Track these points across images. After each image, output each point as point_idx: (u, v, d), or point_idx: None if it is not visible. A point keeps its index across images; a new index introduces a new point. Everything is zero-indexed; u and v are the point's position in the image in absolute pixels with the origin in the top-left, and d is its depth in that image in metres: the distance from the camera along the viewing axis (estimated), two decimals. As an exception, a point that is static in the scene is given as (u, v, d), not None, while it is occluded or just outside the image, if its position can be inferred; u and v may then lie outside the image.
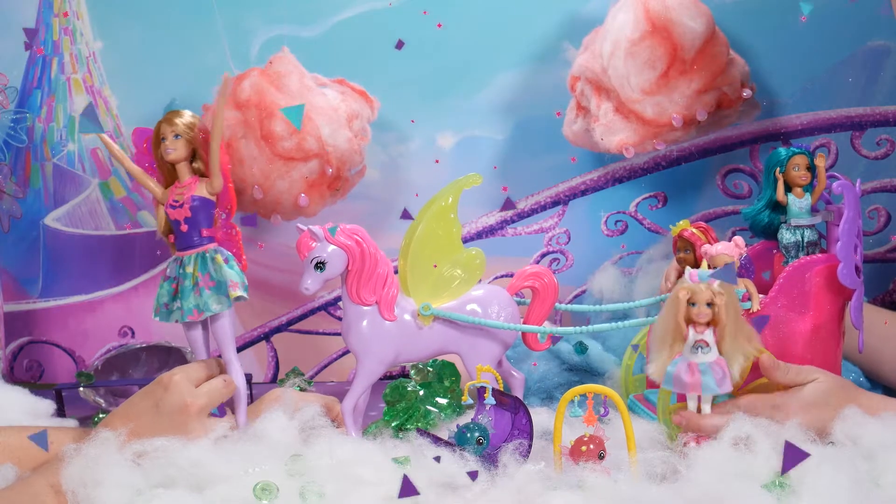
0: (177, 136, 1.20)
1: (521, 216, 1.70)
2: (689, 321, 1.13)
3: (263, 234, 1.69)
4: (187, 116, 1.22)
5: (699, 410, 1.15)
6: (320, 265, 1.21)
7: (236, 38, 1.66)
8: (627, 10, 1.52)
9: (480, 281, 1.28)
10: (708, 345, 1.13)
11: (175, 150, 1.20)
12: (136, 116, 1.67)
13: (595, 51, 1.56)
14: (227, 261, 1.21)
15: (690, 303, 1.13)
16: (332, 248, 1.21)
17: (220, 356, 1.24)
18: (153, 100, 1.65)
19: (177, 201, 1.20)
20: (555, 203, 1.70)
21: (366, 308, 1.23)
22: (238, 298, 1.20)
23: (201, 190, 1.21)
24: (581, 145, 1.63)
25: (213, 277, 1.20)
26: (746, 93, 1.56)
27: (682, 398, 1.18)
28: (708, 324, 1.13)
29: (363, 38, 1.66)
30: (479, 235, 1.70)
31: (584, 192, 1.70)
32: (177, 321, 1.20)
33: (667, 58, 1.51)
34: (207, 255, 1.20)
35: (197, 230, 1.21)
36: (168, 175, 1.23)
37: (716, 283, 1.13)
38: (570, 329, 1.29)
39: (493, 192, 1.69)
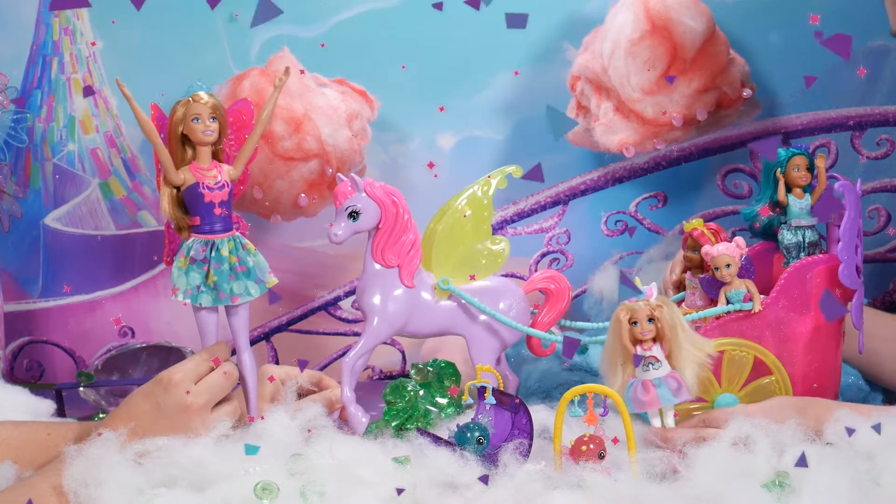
0: (213, 118, 1.19)
1: (521, 216, 1.70)
2: (635, 341, 1.14)
3: (263, 234, 1.69)
4: (213, 97, 1.20)
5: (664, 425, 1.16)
6: (354, 214, 1.22)
7: (236, 38, 1.66)
8: (627, 9, 1.53)
9: (524, 279, 1.29)
10: (658, 360, 1.14)
11: (213, 131, 1.19)
12: (135, 116, 1.67)
13: (595, 50, 1.56)
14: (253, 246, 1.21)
15: (632, 322, 1.13)
16: (368, 200, 1.22)
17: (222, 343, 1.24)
18: (152, 100, 1.65)
19: (213, 184, 1.19)
20: (555, 203, 1.70)
21: (387, 269, 1.24)
22: (273, 285, 1.21)
23: (226, 175, 1.20)
24: (581, 145, 1.63)
25: (244, 262, 1.19)
26: (746, 92, 1.56)
27: None
28: (654, 339, 1.14)
29: (363, 38, 1.66)
30: (479, 236, 1.70)
31: (584, 192, 1.70)
32: (200, 304, 1.19)
33: (667, 57, 1.51)
34: (238, 239, 1.20)
35: (229, 215, 1.20)
36: (179, 157, 1.21)
37: (653, 298, 1.14)
38: (576, 335, 1.30)
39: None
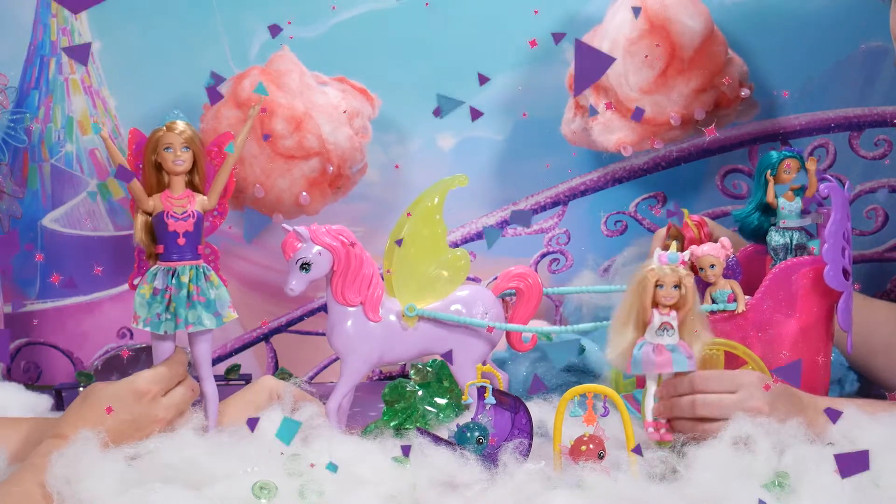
0: (185, 147, 1.19)
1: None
2: (655, 304, 1.13)
3: (264, 233, 1.69)
4: (189, 127, 1.21)
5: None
6: (305, 266, 1.22)
7: (236, 38, 1.66)
8: (626, 9, 1.53)
9: (479, 281, 1.29)
10: (673, 327, 1.13)
11: (185, 161, 1.19)
12: (135, 117, 1.67)
13: (594, 50, 1.56)
14: (217, 279, 1.20)
15: (658, 285, 1.13)
16: (317, 248, 1.22)
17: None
18: (152, 100, 1.65)
19: (179, 213, 1.19)
20: (555, 203, 1.70)
21: (351, 309, 1.24)
22: (231, 320, 1.20)
23: (197, 205, 1.20)
24: (579, 144, 1.63)
25: (204, 293, 1.19)
26: (745, 92, 1.57)
27: (640, 381, 1.19)
28: (671, 306, 1.13)
29: (363, 39, 1.66)
30: (479, 236, 1.70)
31: (584, 193, 1.70)
32: (165, 332, 1.19)
33: (665, 57, 1.51)
34: (201, 269, 1.20)
35: (194, 245, 1.20)
36: (154, 183, 1.21)
37: (683, 266, 1.13)
38: (556, 328, 1.31)
39: (493, 192, 1.70)
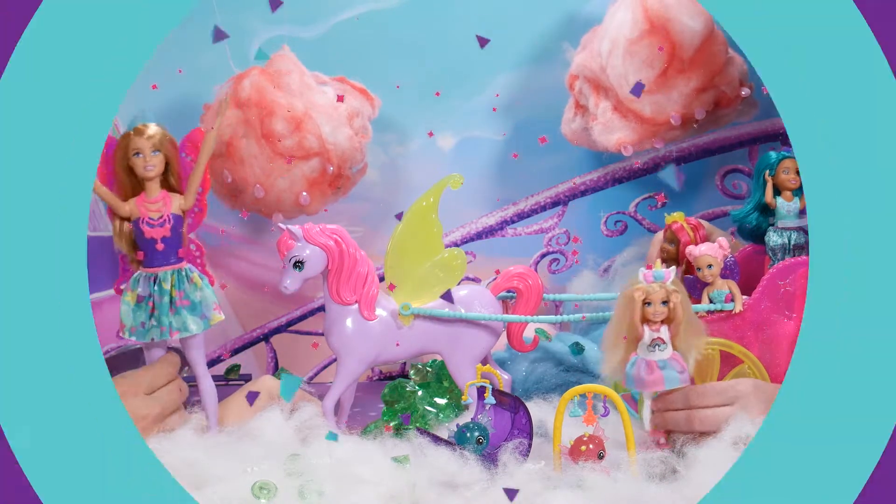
0: (155, 151, 1.19)
1: (521, 216, 1.71)
2: (644, 320, 1.14)
3: (264, 234, 1.69)
4: (159, 129, 1.20)
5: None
6: (299, 264, 1.23)
7: (236, 38, 1.65)
8: (626, 9, 1.53)
9: (479, 281, 1.29)
10: (664, 342, 1.13)
11: (155, 166, 1.19)
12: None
13: (594, 49, 1.56)
14: (201, 280, 1.20)
15: (646, 303, 1.13)
16: (311, 247, 1.23)
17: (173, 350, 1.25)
18: (152, 100, 1.65)
19: (154, 219, 1.19)
20: (555, 203, 1.70)
21: (347, 307, 1.25)
22: (217, 322, 1.20)
23: (175, 207, 1.20)
24: (579, 144, 1.63)
25: (188, 296, 1.18)
26: (745, 91, 1.56)
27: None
28: (662, 321, 1.14)
29: (363, 39, 1.66)
30: (479, 236, 1.70)
31: (583, 193, 1.70)
32: (153, 339, 1.19)
33: (665, 56, 1.51)
34: (184, 273, 1.19)
35: (174, 249, 1.20)
36: (129, 187, 1.21)
37: (669, 281, 1.14)
38: (551, 318, 1.31)
39: (493, 192, 1.70)
